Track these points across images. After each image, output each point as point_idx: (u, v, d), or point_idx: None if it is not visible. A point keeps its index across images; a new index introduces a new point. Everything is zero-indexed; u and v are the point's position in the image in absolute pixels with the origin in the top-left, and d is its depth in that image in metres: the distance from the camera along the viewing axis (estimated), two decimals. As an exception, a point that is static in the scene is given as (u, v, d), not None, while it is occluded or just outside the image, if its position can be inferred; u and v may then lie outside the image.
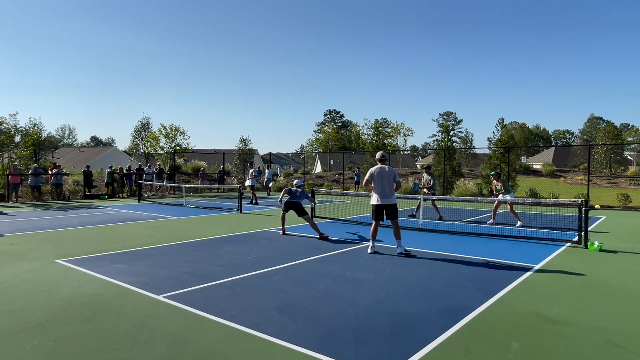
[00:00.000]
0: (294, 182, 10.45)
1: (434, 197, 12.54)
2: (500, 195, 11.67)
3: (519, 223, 11.49)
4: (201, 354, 3.62)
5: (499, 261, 7.22)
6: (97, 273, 6.29)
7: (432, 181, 13.11)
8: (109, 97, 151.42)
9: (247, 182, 18.63)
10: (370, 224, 8.18)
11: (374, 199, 7.81)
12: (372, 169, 7.92)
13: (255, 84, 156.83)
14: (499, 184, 11.81)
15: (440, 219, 12.81)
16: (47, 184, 21.61)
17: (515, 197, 11.23)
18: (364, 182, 8.10)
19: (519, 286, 5.72)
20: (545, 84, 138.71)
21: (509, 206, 11.81)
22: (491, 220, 12.02)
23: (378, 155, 8.07)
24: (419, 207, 13.72)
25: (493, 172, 12.33)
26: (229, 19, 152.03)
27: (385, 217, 7.76)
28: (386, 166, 7.86)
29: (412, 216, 13.34)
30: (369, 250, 7.85)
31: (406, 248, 7.87)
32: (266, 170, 25.43)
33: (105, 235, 9.77)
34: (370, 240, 7.92)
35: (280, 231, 10.15)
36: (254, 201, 18.07)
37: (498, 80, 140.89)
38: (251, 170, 18.86)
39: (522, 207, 16.69)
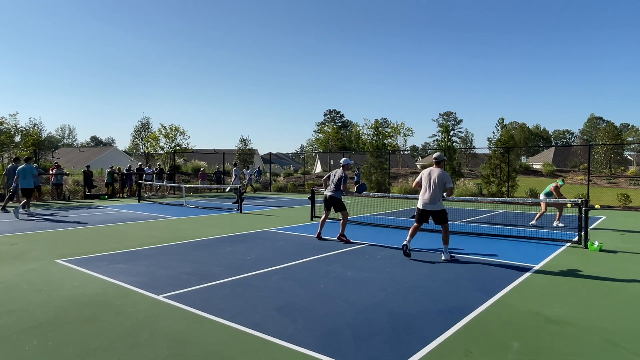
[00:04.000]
0: (341, 160, 9.17)
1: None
2: (542, 195, 11.48)
3: (533, 222, 11.49)
4: (201, 354, 3.62)
5: (499, 261, 7.22)
6: (97, 273, 6.29)
7: None
8: (109, 97, 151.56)
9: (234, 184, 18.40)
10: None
11: (419, 202, 7.42)
12: (422, 172, 7.47)
13: (255, 83, 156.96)
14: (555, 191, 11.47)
15: None
16: (47, 184, 21.61)
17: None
18: (414, 184, 7.63)
19: (519, 286, 5.72)
20: (545, 84, 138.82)
21: (558, 209, 11.57)
22: (533, 222, 11.61)
23: (434, 156, 7.50)
24: None
25: (561, 181, 11.73)
26: (229, 19, 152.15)
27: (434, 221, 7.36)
28: (438, 169, 7.25)
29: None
30: (404, 242, 7.46)
31: (453, 255, 7.45)
32: (245, 171, 26.84)
33: (105, 235, 9.77)
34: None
35: (316, 234, 9.36)
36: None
37: (498, 80, 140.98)
38: (234, 169, 18.80)
39: (522, 207, 16.69)
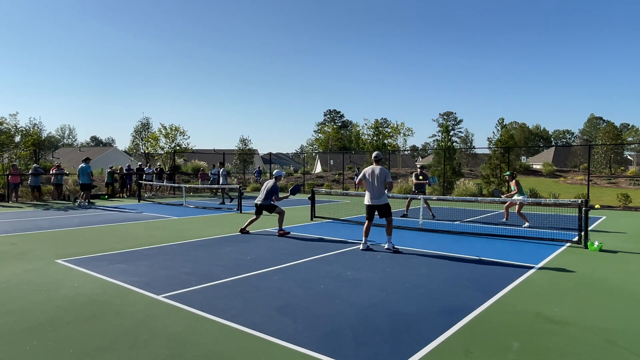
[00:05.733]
0: (274, 172, 10.44)
1: (426, 197, 12.53)
2: (516, 196, 11.71)
3: (526, 224, 11.45)
4: (201, 354, 3.62)
5: (499, 261, 7.22)
6: (97, 273, 6.29)
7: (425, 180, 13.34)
8: (109, 97, 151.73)
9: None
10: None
11: (366, 199, 8.01)
12: (365, 169, 8.09)
13: (255, 83, 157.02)
14: (513, 184, 11.88)
15: (433, 217, 13.06)
16: (47, 184, 21.61)
17: (527, 199, 11.15)
18: (357, 181, 8.25)
19: (519, 286, 5.72)
20: (545, 84, 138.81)
21: (517, 207, 11.82)
22: (504, 219, 12.34)
23: (373, 155, 8.23)
24: (408, 206, 13.88)
25: (508, 172, 12.41)
26: (229, 19, 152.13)
27: (379, 216, 7.98)
28: (379, 167, 7.95)
29: (405, 216, 13.34)
30: (361, 247, 8.10)
31: (395, 246, 8.08)
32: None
33: (105, 235, 9.77)
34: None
35: (240, 228, 10.12)
36: (223, 201, 18.11)
37: (498, 80, 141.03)
38: (221, 170, 18.65)
39: (523, 208, 16.65)
